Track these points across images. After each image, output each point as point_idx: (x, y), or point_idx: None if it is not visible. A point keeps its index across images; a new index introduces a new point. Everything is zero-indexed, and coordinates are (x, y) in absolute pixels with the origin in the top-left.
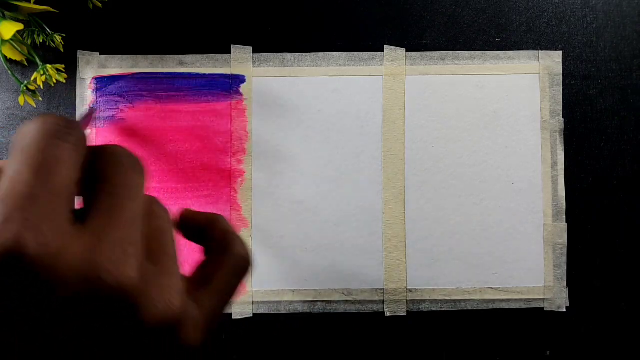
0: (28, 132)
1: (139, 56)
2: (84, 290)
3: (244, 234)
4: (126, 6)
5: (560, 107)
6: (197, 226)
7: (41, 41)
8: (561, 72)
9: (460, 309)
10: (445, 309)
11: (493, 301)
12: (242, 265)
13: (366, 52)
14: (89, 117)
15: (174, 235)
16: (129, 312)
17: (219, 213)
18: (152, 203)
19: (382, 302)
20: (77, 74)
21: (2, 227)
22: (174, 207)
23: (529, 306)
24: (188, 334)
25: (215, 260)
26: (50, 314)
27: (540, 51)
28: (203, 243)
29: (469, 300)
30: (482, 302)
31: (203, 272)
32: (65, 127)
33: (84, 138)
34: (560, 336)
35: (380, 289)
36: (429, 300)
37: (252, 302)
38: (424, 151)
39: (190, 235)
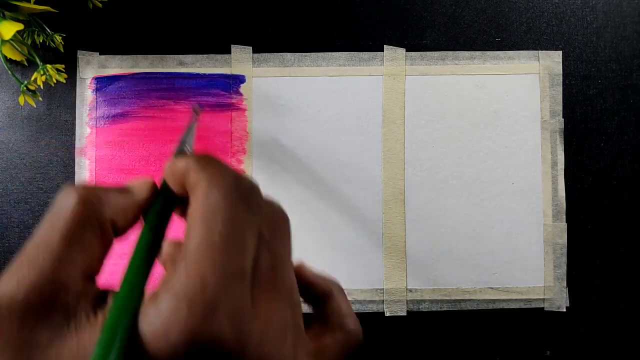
0: (210, 193)
1: (139, 56)
2: None
3: None
4: (126, 6)
5: (560, 107)
6: (311, 290)
7: (41, 41)
8: (561, 72)
9: (460, 309)
10: (445, 309)
11: (493, 301)
12: (355, 346)
13: (366, 52)
14: (198, 112)
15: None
16: None
17: (334, 280)
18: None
19: (382, 302)
20: (77, 74)
21: (204, 320)
22: None
23: (529, 306)
24: None
25: (332, 337)
26: None
27: (540, 51)
28: (314, 306)
29: (469, 300)
30: (482, 302)
31: (321, 345)
32: (249, 192)
33: (261, 200)
34: (560, 336)
35: (380, 289)
36: (429, 300)
37: None
38: (424, 151)
39: (303, 297)
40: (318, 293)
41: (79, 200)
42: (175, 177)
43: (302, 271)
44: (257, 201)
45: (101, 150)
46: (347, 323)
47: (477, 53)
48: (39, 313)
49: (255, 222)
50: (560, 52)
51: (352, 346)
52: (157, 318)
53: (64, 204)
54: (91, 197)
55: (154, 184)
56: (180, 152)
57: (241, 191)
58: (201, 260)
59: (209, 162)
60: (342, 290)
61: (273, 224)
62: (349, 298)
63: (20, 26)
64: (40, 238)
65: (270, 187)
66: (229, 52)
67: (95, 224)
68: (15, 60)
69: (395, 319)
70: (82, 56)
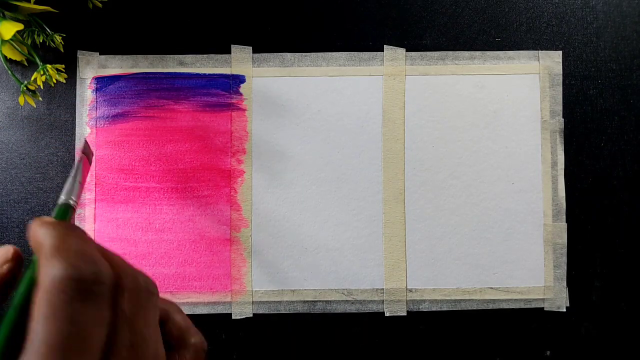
0: (48, 284)
1: (139, 56)
2: None
3: (244, 233)
4: (126, 6)
5: (560, 107)
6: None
7: (41, 41)
8: (561, 72)
9: (460, 309)
10: (445, 309)
11: (493, 301)
12: (202, 355)
13: (366, 52)
14: (87, 152)
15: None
16: None
17: (170, 301)
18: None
19: (382, 302)
20: (77, 74)
21: None
22: (172, 207)
23: (529, 306)
24: None
25: (180, 356)
26: None
27: (540, 51)
28: (163, 333)
29: (469, 300)
30: (482, 302)
31: None
32: (92, 282)
33: (109, 283)
34: (560, 336)
35: (380, 289)
36: (429, 300)
37: (252, 302)
38: (424, 151)
39: None
40: (160, 318)
41: None
42: (34, 246)
43: None
44: (102, 290)
45: (101, 150)
46: (187, 338)
47: (477, 53)
48: None
49: (101, 314)
50: (560, 52)
51: (200, 357)
52: None
53: None
54: None
55: (15, 254)
56: (62, 205)
57: (84, 283)
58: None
59: (63, 243)
60: (179, 309)
61: (136, 298)
62: (349, 298)
63: (20, 26)
64: None
65: (270, 187)
66: (229, 52)
67: None
68: (15, 60)
69: (395, 319)
70: (82, 56)
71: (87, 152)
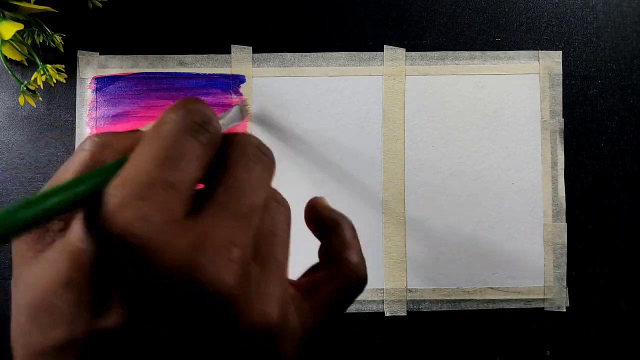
0: (166, 121)
1: (139, 56)
2: (182, 286)
3: None
4: (126, 6)
5: (560, 107)
6: (321, 224)
7: (41, 41)
8: (561, 72)
9: (460, 309)
10: (445, 309)
11: (493, 301)
12: (354, 284)
13: (366, 52)
14: (244, 111)
15: (288, 236)
16: (224, 316)
17: (345, 216)
18: (272, 197)
19: (382, 302)
20: (77, 74)
21: (117, 210)
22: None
23: (529, 306)
24: (284, 346)
25: (327, 271)
26: (149, 301)
27: (540, 51)
28: (323, 242)
29: (469, 300)
30: (482, 302)
31: (313, 280)
32: (201, 124)
33: (217, 137)
34: (560, 336)
35: (380, 289)
36: (429, 300)
37: None
38: (424, 151)
39: (313, 229)
40: (325, 226)
41: (92, 145)
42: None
43: (316, 204)
44: (210, 130)
45: None
46: (347, 256)
47: (477, 53)
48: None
49: (202, 148)
50: (560, 52)
51: (351, 283)
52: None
53: (80, 148)
54: (104, 142)
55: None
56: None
57: (190, 122)
58: (129, 169)
59: (181, 102)
60: (352, 225)
61: (241, 150)
62: None
63: (20, 26)
64: (57, 178)
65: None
66: (229, 52)
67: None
68: (15, 60)
69: (395, 319)
70: (82, 56)
71: (243, 110)
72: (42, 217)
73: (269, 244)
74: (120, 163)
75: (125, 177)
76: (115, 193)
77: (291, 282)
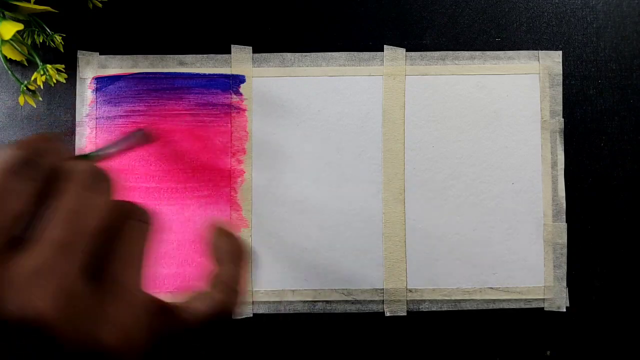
0: None
1: (139, 56)
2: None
3: (244, 234)
4: (126, 6)
5: (560, 107)
6: (209, 251)
7: (41, 41)
8: (561, 72)
9: (460, 309)
10: (445, 309)
11: (493, 301)
12: (213, 314)
13: (366, 52)
14: (149, 137)
15: (142, 253)
16: (52, 342)
17: (242, 249)
18: (127, 216)
19: (382, 302)
20: (77, 74)
21: None
22: (172, 207)
23: (529, 306)
24: None
25: (199, 293)
26: None
27: (540, 51)
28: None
29: (469, 300)
30: (482, 302)
31: (184, 301)
32: (27, 162)
33: (49, 170)
34: (560, 336)
35: (380, 289)
36: (429, 300)
37: (252, 302)
38: (424, 151)
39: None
40: (211, 254)
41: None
42: None
43: (213, 232)
44: (38, 165)
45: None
46: (213, 291)
47: (477, 53)
48: None
49: (26, 184)
50: (560, 52)
51: (208, 314)
52: None
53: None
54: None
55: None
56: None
57: (18, 158)
58: None
59: (28, 139)
60: (242, 256)
61: (87, 181)
62: (349, 298)
63: (20, 26)
64: None
65: (270, 187)
66: (229, 52)
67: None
68: (15, 60)
69: (395, 319)
70: (82, 56)
71: (146, 137)
72: None
73: (112, 265)
74: None
75: None
76: None
77: (153, 299)
